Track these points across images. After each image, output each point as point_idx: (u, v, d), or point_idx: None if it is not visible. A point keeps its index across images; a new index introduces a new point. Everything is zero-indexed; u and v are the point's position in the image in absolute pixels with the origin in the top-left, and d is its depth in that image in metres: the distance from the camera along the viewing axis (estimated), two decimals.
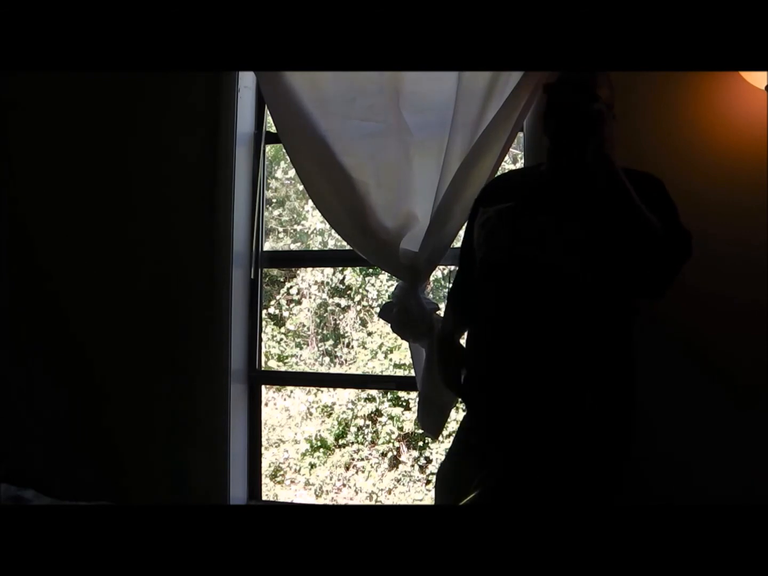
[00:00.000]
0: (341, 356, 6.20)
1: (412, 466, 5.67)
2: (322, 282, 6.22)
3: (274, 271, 6.15)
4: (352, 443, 5.84)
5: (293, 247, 6.20)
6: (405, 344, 5.41)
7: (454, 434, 1.93)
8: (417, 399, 2.22)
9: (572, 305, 1.62)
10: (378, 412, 5.80)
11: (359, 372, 5.70)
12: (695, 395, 2.01)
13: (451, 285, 2.00)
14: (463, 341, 1.91)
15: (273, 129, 2.46)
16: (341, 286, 6.18)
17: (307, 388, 5.88)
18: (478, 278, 1.78)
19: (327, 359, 6.26)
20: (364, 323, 6.16)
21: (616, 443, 1.66)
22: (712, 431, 2.00)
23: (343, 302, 6.20)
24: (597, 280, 1.62)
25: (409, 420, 5.70)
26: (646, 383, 2.04)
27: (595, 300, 1.63)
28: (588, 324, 1.63)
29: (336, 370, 6.07)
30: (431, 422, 2.19)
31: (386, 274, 5.49)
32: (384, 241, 2.17)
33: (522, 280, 1.67)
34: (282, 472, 5.86)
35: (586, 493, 1.60)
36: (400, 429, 5.74)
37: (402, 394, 5.71)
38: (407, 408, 5.74)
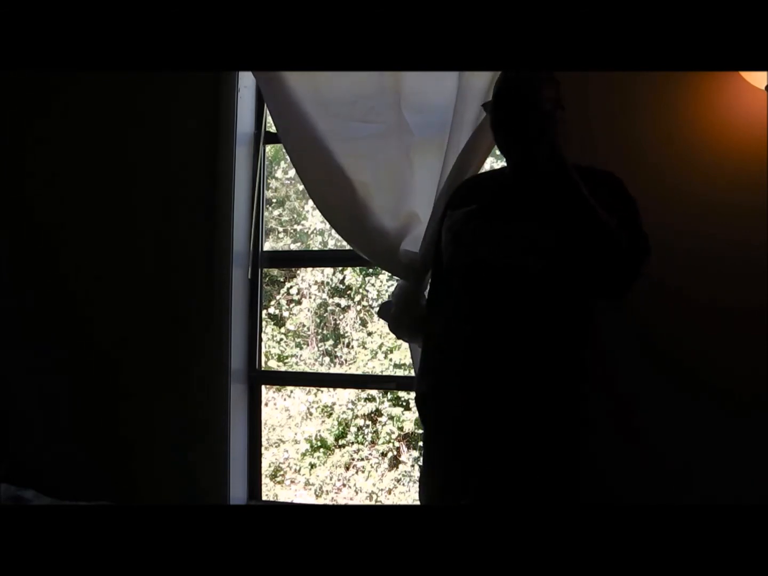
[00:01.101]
0: (341, 356, 6.20)
1: (412, 466, 5.67)
2: (322, 282, 6.22)
3: (274, 271, 6.15)
4: (352, 443, 5.84)
5: (293, 247, 6.20)
6: (405, 344, 5.42)
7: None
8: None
9: (532, 305, 1.64)
10: (378, 412, 5.80)
11: (359, 372, 5.70)
12: (695, 397, 2.01)
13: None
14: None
15: (273, 129, 2.46)
16: (341, 286, 6.18)
17: (307, 388, 5.88)
18: (444, 280, 1.82)
19: (327, 359, 6.26)
20: (364, 323, 6.16)
21: (568, 439, 1.67)
22: (712, 433, 2.00)
23: (343, 302, 6.20)
24: (556, 280, 1.64)
25: (409, 420, 5.70)
26: (646, 384, 2.05)
27: (555, 300, 1.65)
28: (547, 322, 1.65)
29: (336, 370, 6.07)
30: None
31: (386, 274, 5.49)
32: (384, 242, 2.17)
33: (484, 282, 1.69)
34: (282, 472, 5.86)
35: (544, 490, 1.62)
36: (400, 429, 5.74)
37: (402, 394, 5.71)
38: (407, 408, 5.74)
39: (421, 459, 1.90)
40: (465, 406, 1.68)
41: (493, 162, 3.11)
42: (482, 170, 2.12)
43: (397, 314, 2.12)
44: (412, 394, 6.06)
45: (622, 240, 1.60)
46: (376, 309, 2.24)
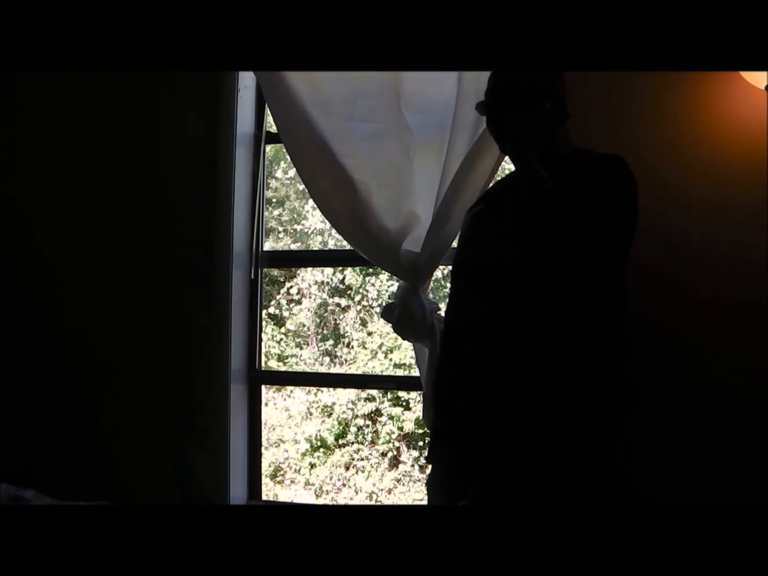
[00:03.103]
0: (341, 356, 6.20)
1: (412, 466, 5.67)
2: (322, 282, 6.23)
3: (274, 271, 6.15)
4: (352, 443, 5.85)
5: (293, 247, 6.21)
6: (405, 344, 5.44)
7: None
8: (422, 398, 2.21)
9: (530, 303, 1.62)
10: (378, 412, 5.81)
11: (359, 372, 5.70)
12: (695, 397, 2.01)
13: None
14: None
15: (273, 129, 2.46)
16: (341, 286, 6.18)
17: (307, 388, 5.88)
18: (452, 277, 1.85)
19: (327, 359, 6.27)
20: (364, 323, 6.17)
21: (602, 439, 1.65)
22: (713, 433, 2.00)
23: (343, 302, 6.20)
24: (556, 277, 1.60)
25: (409, 420, 5.71)
26: (645, 385, 2.05)
27: (558, 298, 1.62)
28: (556, 322, 1.62)
29: (336, 370, 6.07)
30: None
31: (386, 274, 5.49)
32: (385, 242, 2.17)
33: (486, 279, 1.70)
34: (282, 472, 5.87)
35: (577, 489, 1.60)
36: (400, 429, 5.75)
37: (402, 394, 5.72)
38: (407, 408, 5.75)
39: (432, 454, 1.88)
40: (490, 404, 1.65)
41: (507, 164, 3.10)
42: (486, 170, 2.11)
43: (400, 316, 2.13)
44: (413, 394, 6.09)
45: (601, 224, 1.58)
46: (380, 311, 2.24)
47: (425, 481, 1.94)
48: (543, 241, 1.60)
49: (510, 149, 1.67)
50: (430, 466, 1.93)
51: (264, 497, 2.66)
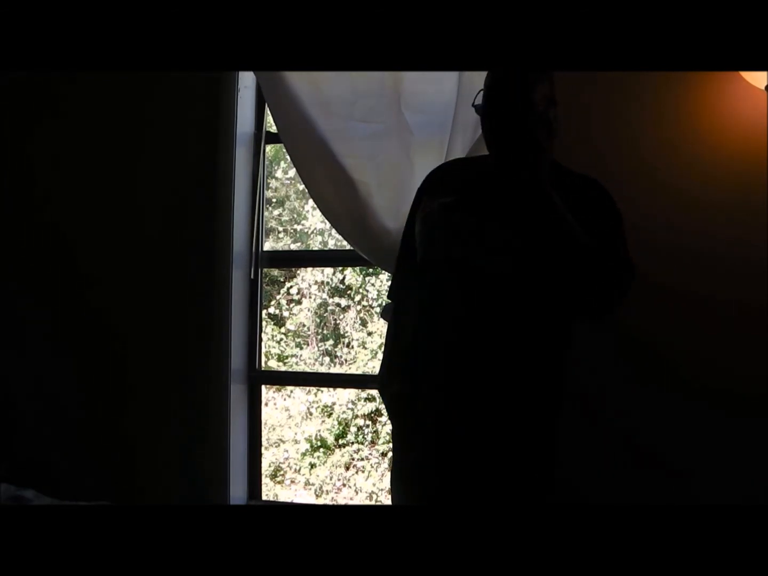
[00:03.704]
0: (341, 356, 6.19)
1: None
2: (322, 282, 6.22)
3: (274, 271, 6.14)
4: (352, 443, 5.84)
5: (293, 247, 6.20)
6: None
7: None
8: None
9: (506, 307, 1.59)
10: (378, 412, 5.80)
11: (359, 372, 5.70)
12: (695, 397, 2.01)
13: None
14: None
15: (273, 129, 2.46)
16: (341, 286, 6.18)
17: (307, 388, 5.88)
18: (416, 273, 1.74)
19: (327, 359, 6.26)
20: (364, 323, 6.16)
21: (542, 443, 1.65)
22: (713, 435, 2.00)
23: (343, 302, 6.20)
24: (530, 284, 1.58)
25: None
26: (645, 386, 2.05)
27: (530, 302, 1.59)
28: (516, 328, 1.60)
29: (336, 370, 6.07)
30: None
31: (386, 274, 5.48)
32: (385, 242, 2.17)
33: (457, 281, 1.64)
34: (282, 472, 5.86)
35: (517, 492, 1.61)
36: None
37: None
38: None
39: (393, 459, 1.83)
40: (448, 407, 1.65)
41: None
42: None
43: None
44: None
45: (601, 263, 1.53)
46: (379, 310, 2.23)
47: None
48: (538, 255, 1.55)
49: (517, 162, 1.55)
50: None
51: (264, 497, 2.66)
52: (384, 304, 2.22)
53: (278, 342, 6.17)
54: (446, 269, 1.65)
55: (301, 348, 6.30)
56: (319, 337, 6.34)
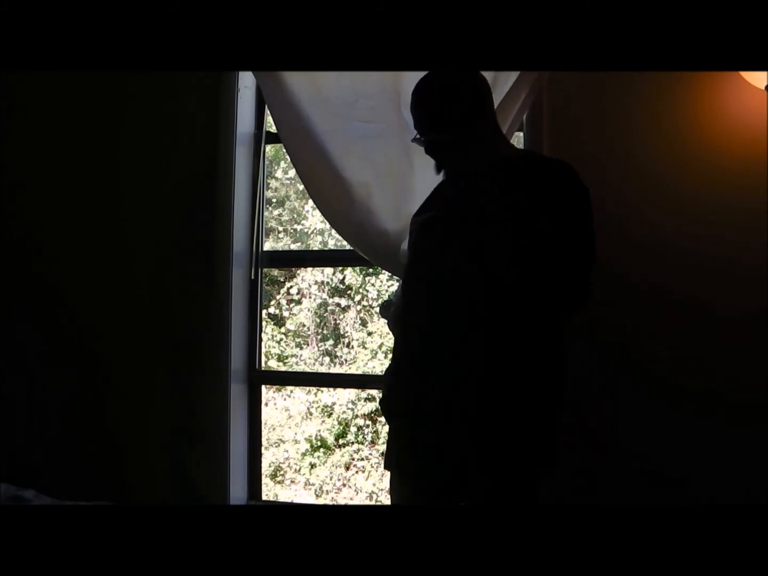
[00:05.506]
0: (341, 356, 6.20)
1: None
2: (322, 282, 6.22)
3: (274, 271, 6.15)
4: (352, 443, 5.85)
5: (293, 247, 6.21)
6: None
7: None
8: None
9: (472, 311, 1.60)
10: (378, 412, 5.80)
11: (359, 372, 5.70)
12: (695, 397, 2.01)
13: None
14: None
15: (273, 129, 2.46)
16: (341, 286, 6.18)
17: (307, 388, 5.88)
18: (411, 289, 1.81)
19: (327, 359, 6.26)
20: (364, 323, 6.16)
21: (540, 444, 1.64)
22: (713, 436, 2.00)
23: (343, 302, 6.20)
24: (498, 286, 1.58)
25: None
26: (645, 386, 2.05)
27: (512, 304, 1.59)
28: (510, 329, 1.60)
29: (336, 370, 6.07)
30: None
31: (386, 273, 5.49)
32: (385, 242, 2.17)
33: (428, 287, 1.68)
34: (282, 472, 5.86)
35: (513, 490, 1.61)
36: None
37: None
38: None
39: (389, 461, 1.83)
40: (443, 414, 1.65)
41: None
42: None
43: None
44: None
45: (555, 254, 1.54)
46: (377, 308, 2.23)
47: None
48: (502, 252, 1.57)
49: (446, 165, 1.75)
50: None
51: (264, 497, 2.66)
52: (383, 301, 2.22)
53: (278, 342, 6.18)
54: (416, 275, 1.73)
55: (301, 348, 6.30)
56: (319, 337, 6.35)
